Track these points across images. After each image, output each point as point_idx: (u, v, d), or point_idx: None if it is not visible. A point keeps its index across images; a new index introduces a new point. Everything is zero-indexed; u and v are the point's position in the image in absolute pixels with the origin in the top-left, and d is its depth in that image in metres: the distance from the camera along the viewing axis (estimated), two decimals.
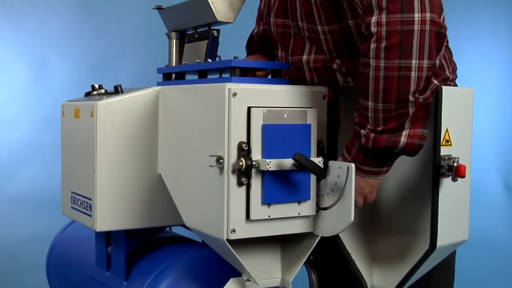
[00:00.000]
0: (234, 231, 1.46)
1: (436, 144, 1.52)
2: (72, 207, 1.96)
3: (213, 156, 1.46)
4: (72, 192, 1.96)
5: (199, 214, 1.60)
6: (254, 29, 2.11)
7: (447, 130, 1.53)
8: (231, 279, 1.58)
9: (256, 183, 1.47)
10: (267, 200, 1.48)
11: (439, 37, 1.44)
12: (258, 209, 1.48)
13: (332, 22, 1.63)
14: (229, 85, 1.45)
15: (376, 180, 1.54)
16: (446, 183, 1.54)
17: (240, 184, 1.46)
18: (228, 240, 1.47)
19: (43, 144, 4.92)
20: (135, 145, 1.77)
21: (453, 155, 1.54)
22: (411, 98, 1.42)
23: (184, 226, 1.73)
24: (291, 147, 1.48)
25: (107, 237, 1.98)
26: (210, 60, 1.74)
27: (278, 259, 1.66)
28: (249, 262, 1.56)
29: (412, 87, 1.42)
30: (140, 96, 1.78)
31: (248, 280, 1.58)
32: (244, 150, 1.45)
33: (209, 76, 1.77)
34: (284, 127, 1.49)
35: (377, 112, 1.43)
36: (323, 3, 1.61)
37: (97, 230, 1.77)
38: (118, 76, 4.66)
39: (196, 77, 1.80)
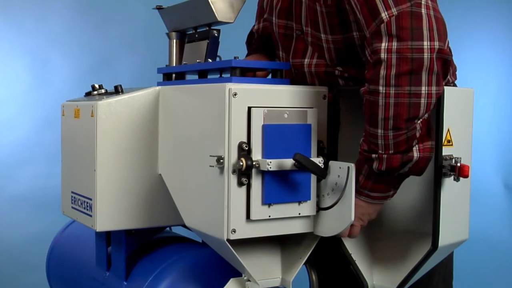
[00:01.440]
0: (234, 231, 1.46)
1: (438, 144, 1.52)
2: (72, 207, 1.96)
3: (214, 156, 1.46)
4: (72, 192, 1.96)
5: (199, 214, 1.60)
6: (254, 26, 2.10)
7: (448, 130, 1.53)
8: (231, 279, 1.58)
9: (256, 183, 1.47)
10: (267, 200, 1.48)
11: (445, 64, 1.46)
12: (258, 209, 1.48)
13: (336, 33, 1.63)
14: (229, 85, 1.45)
15: (382, 205, 1.55)
16: (448, 183, 1.53)
17: (240, 184, 1.46)
18: (228, 240, 1.47)
19: (43, 144, 4.92)
20: (135, 145, 1.77)
21: (454, 155, 1.54)
22: (418, 121, 1.44)
23: (184, 226, 1.73)
24: (291, 147, 1.48)
25: (107, 237, 1.98)
26: (210, 60, 1.74)
27: (278, 259, 1.66)
28: (249, 262, 1.56)
29: (421, 112, 1.43)
30: (140, 96, 1.78)
31: (248, 280, 1.58)
32: (244, 150, 1.45)
33: (209, 76, 1.77)
34: (284, 127, 1.49)
35: (387, 139, 1.44)
36: (329, 14, 1.61)
37: (97, 230, 1.77)
38: (118, 76, 4.66)
39: (196, 77, 1.80)
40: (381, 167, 1.46)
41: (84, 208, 1.84)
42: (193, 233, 1.72)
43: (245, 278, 1.59)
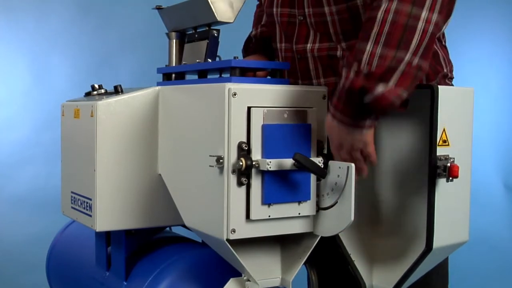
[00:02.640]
0: (234, 231, 1.46)
1: (432, 144, 1.51)
2: (72, 207, 1.96)
3: (213, 156, 1.46)
4: (72, 192, 1.96)
5: (199, 214, 1.60)
6: (251, 32, 2.11)
7: (444, 130, 1.53)
8: (231, 279, 1.58)
9: (256, 183, 1.47)
10: (267, 200, 1.48)
11: (451, 1, 1.46)
12: (258, 209, 1.48)
13: (340, 2, 1.64)
14: (229, 85, 1.45)
15: (362, 135, 1.47)
16: (443, 184, 1.53)
17: (240, 184, 1.46)
18: (228, 240, 1.47)
19: (43, 144, 4.92)
20: (135, 145, 1.77)
21: (451, 156, 1.53)
22: (408, 56, 1.37)
23: (184, 226, 1.73)
24: (291, 147, 1.48)
25: (107, 237, 1.98)
26: (210, 60, 1.74)
27: (278, 259, 1.66)
28: (249, 262, 1.56)
29: (415, 40, 1.37)
30: (140, 96, 1.78)
31: (248, 280, 1.58)
32: (244, 150, 1.45)
33: (209, 76, 1.77)
34: (284, 127, 1.49)
35: (373, 56, 1.37)
36: None
37: (97, 230, 1.77)
38: (118, 76, 4.67)
39: (196, 77, 1.80)
40: (345, 84, 1.41)
41: (84, 208, 1.84)
42: (193, 233, 1.72)
43: (245, 278, 1.59)
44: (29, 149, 5.00)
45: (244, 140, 1.46)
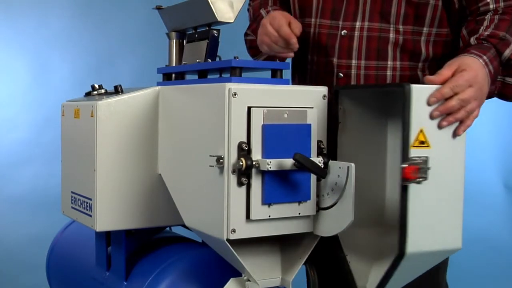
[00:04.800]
0: (234, 231, 1.46)
1: (404, 145, 1.42)
2: (72, 207, 1.96)
3: (213, 156, 1.46)
4: (72, 192, 1.96)
5: (199, 214, 1.60)
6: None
7: (421, 131, 1.44)
8: (231, 279, 1.58)
9: (256, 183, 1.47)
10: (267, 200, 1.48)
11: None
12: (258, 209, 1.48)
13: None
14: (229, 85, 1.45)
15: (485, 97, 1.50)
16: (418, 186, 1.43)
17: (240, 184, 1.46)
18: (228, 240, 1.47)
19: (43, 144, 4.92)
20: (135, 145, 1.77)
21: (432, 157, 1.44)
22: None
23: (184, 226, 1.73)
24: (291, 147, 1.48)
25: (107, 237, 1.98)
26: (210, 60, 1.74)
27: (278, 259, 1.66)
28: (249, 262, 1.56)
29: None
30: (140, 96, 1.78)
31: (248, 280, 1.58)
32: (244, 150, 1.45)
33: (209, 76, 1.77)
34: (284, 127, 1.49)
35: None
36: None
37: (97, 230, 1.77)
38: (118, 76, 4.66)
39: (196, 77, 1.80)
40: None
41: (84, 208, 1.84)
42: (193, 233, 1.72)
43: (245, 278, 1.59)
44: (29, 149, 5.00)
45: (244, 140, 1.46)
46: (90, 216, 1.79)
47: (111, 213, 1.77)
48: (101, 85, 2.02)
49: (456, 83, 1.39)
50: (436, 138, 1.44)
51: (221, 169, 1.46)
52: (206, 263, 1.84)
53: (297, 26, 1.68)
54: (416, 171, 1.41)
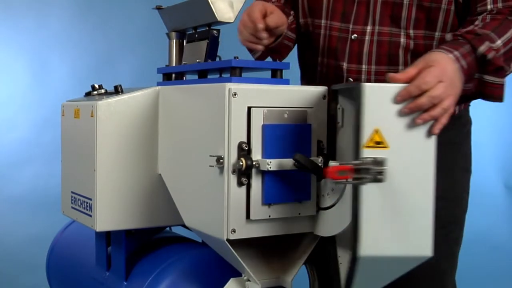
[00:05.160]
0: (234, 231, 1.46)
1: (357, 146, 1.35)
2: (72, 207, 1.96)
3: (213, 156, 1.46)
4: (72, 192, 1.96)
5: (199, 214, 1.60)
6: None
7: (377, 131, 1.35)
8: (231, 279, 1.58)
9: (256, 183, 1.47)
10: (267, 200, 1.48)
11: None
12: (258, 209, 1.48)
13: None
14: (229, 85, 1.45)
15: (458, 95, 1.41)
16: (373, 188, 1.34)
17: (240, 184, 1.45)
18: (228, 240, 1.47)
19: (43, 144, 4.92)
20: (135, 145, 1.77)
21: (391, 158, 1.33)
22: (508, 71, 1.51)
23: (184, 226, 1.73)
24: (291, 147, 1.48)
25: (107, 237, 1.98)
26: (210, 60, 1.74)
27: (278, 259, 1.65)
28: (249, 262, 1.56)
29: None
30: (140, 96, 1.78)
31: (248, 280, 1.58)
32: (244, 150, 1.45)
33: (209, 76, 1.77)
34: (284, 127, 1.49)
35: (498, 51, 1.48)
36: None
37: (97, 230, 1.77)
38: (118, 76, 4.67)
39: (196, 77, 1.80)
40: (486, 51, 1.46)
41: (84, 208, 1.84)
42: (193, 233, 1.72)
43: (245, 278, 1.59)
44: (29, 149, 5.00)
45: (244, 140, 1.46)
46: (90, 216, 1.79)
47: (111, 213, 1.77)
48: (101, 85, 2.02)
49: (423, 80, 1.32)
50: (398, 138, 1.34)
51: (221, 169, 1.46)
52: (206, 263, 1.84)
53: (274, 18, 1.58)
54: (347, 172, 1.31)
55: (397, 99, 1.32)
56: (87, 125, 1.81)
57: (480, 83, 1.51)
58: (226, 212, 1.45)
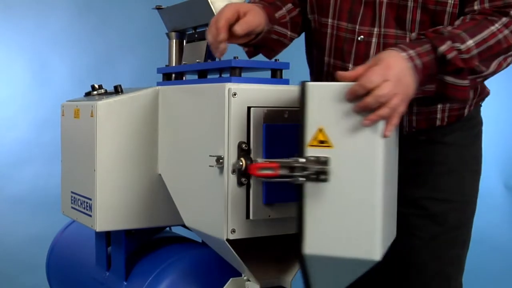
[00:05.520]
0: (234, 231, 1.46)
1: (301, 144, 1.34)
2: (72, 207, 1.96)
3: (213, 156, 1.46)
4: (72, 192, 1.96)
5: (199, 214, 1.60)
6: None
7: (321, 130, 1.32)
8: (231, 279, 1.58)
9: (256, 183, 1.47)
10: (267, 200, 1.48)
11: None
12: (258, 209, 1.48)
13: None
14: (229, 85, 1.45)
15: (410, 95, 1.36)
16: (318, 187, 1.32)
17: (240, 184, 1.45)
18: (228, 240, 1.47)
19: (43, 144, 4.92)
20: (135, 145, 1.77)
21: (337, 158, 1.30)
22: (484, 72, 1.45)
23: (184, 226, 1.73)
24: (291, 147, 1.48)
25: (107, 237, 1.98)
26: (210, 60, 1.74)
27: (278, 259, 1.65)
28: (249, 262, 1.56)
29: (495, 63, 1.45)
30: (140, 96, 1.78)
31: (248, 280, 1.58)
32: (244, 150, 1.45)
33: (209, 76, 1.77)
34: (284, 127, 1.49)
35: (469, 52, 1.42)
36: None
37: (97, 230, 1.77)
38: (118, 76, 4.67)
39: (196, 77, 1.80)
40: (446, 51, 1.39)
41: (84, 208, 1.84)
42: (193, 233, 1.72)
43: (245, 278, 1.59)
44: (29, 149, 5.00)
45: (244, 140, 1.46)
46: (90, 216, 1.79)
47: (111, 213, 1.77)
48: (101, 85, 2.02)
49: (367, 79, 1.27)
50: (343, 138, 1.30)
51: (221, 169, 1.46)
52: (206, 263, 1.84)
53: (243, 26, 1.48)
54: (270, 169, 1.31)
55: (346, 98, 1.29)
56: (87, 125, 1.81)
57: (441, 84, 1.43)
58: (226, 212, 1.45)
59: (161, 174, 1.79)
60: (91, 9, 5.19)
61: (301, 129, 1.31)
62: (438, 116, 1.66)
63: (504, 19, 1.45)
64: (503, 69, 1.49)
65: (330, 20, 1.69)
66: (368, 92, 1.26)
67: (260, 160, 1.44)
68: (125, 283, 1.92)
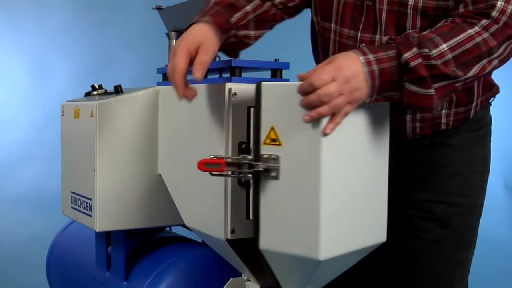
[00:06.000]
0: (234, 231, 1.46)
1: (256, 142, 1.36)
2: (72, 207, 1.96)
3: (213, 156, 1.46)
4: (72, 192, 1.96)
5: (199, 214, 1.60)
6: None
7: (272, 128, 1.34)
8: (231, 279, 1.58)
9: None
10: None
11: None
12: None
13: None
14: (229, 85, 1.45)
15: (359, 100, 1.32)
16: (270, 184, 1.34)
17: (240, 184, 1.45)
18: (228, 240, 1.47)
19: (43, 144, 4.92)
20: (135, 145, 1.77)
21: (283, 156, 1.32)
22: (461, 77, 1.38)
23: (184, 226, 1.73)
24: None
25: (107, 237, 1.98)
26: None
27: None
28: (249, 262, 1.56)
29: (474, 69, 1.39)
30: (140, 96, 1.78)
31: (248, 280, 1.58)
32: (244, 150, 1.45)
33: (209, 76, 1.77)
34: None
35: (442, 56, 1.35)
36: None
37: (97, 230, 1.77)
38: (118, 76, 4.67)
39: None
40: (409, 58, 1.33)
41: (84, 208, 1.84)
42: (193, 233, 1.72)
43: (245, 278, 1.59)
44: (29, 149, 5.00)
45: (244, 140, 1.46)
46: (90, 216, 1.79)
47: (111, 213, 1.77)
48: (101, 85, 2.02)
49: (316, 77, 1.26)
50: (291, 136, 1.31)
51: None
52: (206, 263, 1.84)
53: (199, 68, 1.39)
54: (216, 165, 1.34)
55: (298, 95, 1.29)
56: (87, 125, 1.81)
57: (404, 93, 1.37)
58: (226, 212, 1.45)
59: (161, 174, 1.79)
60: (91, 9, 5.19)
61: (256, 128, 1.35)
62: (443, 121, 1.63)
63: (484, 21, 1.40)
64: (488, 72, 1.43)
65: (333, 26, 1.66)
66: (314, 90, 1.26)
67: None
68: (125, 283, 1.92)
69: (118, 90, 1.86)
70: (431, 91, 1.36)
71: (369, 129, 1.40)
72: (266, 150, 1.34)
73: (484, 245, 4.53)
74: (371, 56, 1.33)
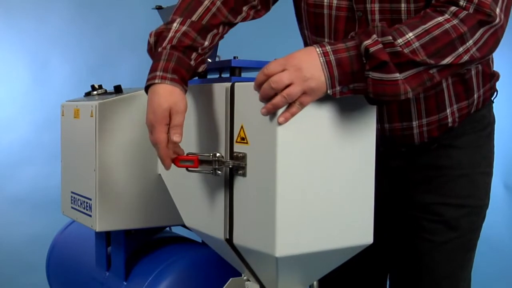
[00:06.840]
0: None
1: (231, 140, 1.40)
2: (72, 207, 1.96)
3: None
4: (72, 192, 1.96)
5: (199, 214, 1.60)
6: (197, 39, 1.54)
7: (242, 127, 1.38)
8: (231, 279, 1.58)
9: None
10: None
11: (496, 43, 1.42)
12: None
13: (420, 0, 1.51)
14: (229, 85, 1.45)
15: (318, 93, 1.29)
16: (240, 181, 1.38)
17: None
18: (228, 240, 1.46)
19: (43, 144, 4.92)
20: (135, 145, 1.77)
21: (250, 154, 1.35)
22: (433, 67, 1.34)
23: (184, 226, 1.73)
24: None
25: (107, 237, 1.98)
26: (210, 60, 1.74)
27: None
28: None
29: (448, 58, 1.35)
30: (140, 96, 1.78)
31: (248, 280, 1.58)
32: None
33: (209, 76, 1.77)
34: None
35: (408, 45, 1.32)
36: None
37: (97, 230, 1.77)
38: (118, 76, 4.67)
39: (196, 77, 1.79)
40: (368, 45, 1.30)
41: (84, 208, 1.84)
42: (193, 233, 1.72)
43: (245, 278, 1.58)
44: (29, 149, 5.00)
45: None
46: (90, 216, 1.79)
47: (111, 213, 1.77)
48: (101, 85, 2.02)
49: (267, 68, 1.27)
50: (255, 134, 1.34)
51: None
52: (206, 263, 1.84)
53: (177, 132, 1.39)
54: (189, 161, 1.38)
55: (254, 89, 1.30)
56: (87, 125, 1.81)
57: (368, 81, 1.33)
58: (226, 212, 1.45)
59: (161, 174, 1.79)
60: (91, 9, 5.19)
61: (231, 127, 1.40)
62: (449, 119, 1.62)
63: (453, 8, 1.37)
64: (466, 61, 1.38)
65: (327, 40, 1.64)
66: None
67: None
68: (125, 283, 1.92)
69: (118, 90, 1.86)
70: (396, 75, 1.32)
71: (346, 125, 1.37)
72: (237, 148, 1.39)
73: (484, 245, 4.52)
74: (327, 47, 1.31)
